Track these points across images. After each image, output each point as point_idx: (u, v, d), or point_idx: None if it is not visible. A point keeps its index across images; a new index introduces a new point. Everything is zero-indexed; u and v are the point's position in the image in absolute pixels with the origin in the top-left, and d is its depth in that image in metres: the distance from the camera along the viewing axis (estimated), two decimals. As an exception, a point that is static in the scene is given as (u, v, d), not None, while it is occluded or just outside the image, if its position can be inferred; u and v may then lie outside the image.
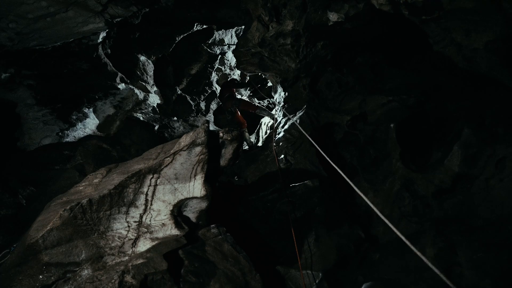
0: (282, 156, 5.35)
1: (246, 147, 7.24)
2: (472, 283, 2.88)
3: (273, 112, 7.34)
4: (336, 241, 4.05)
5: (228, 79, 9.44)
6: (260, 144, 6.82)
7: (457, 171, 3.51)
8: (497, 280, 2.74)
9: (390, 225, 2.08)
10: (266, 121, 7.94)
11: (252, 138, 7.93)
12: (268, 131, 7.25)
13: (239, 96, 8.79)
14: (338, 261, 3.90)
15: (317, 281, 3.73)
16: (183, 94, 8.68)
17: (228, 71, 9.80)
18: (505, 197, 2.99)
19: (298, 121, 5.69)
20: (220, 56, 9.29)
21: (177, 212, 3.61)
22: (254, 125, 8.95)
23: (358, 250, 4.03)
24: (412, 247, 1.90)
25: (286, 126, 5.98)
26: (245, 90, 9.56)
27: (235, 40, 9.31)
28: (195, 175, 3.62)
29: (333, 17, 4.95)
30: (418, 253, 1.85)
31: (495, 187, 3.10)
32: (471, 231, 3.09)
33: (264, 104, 9.54)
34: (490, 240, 2.93)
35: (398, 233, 2.01)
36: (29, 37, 4.67)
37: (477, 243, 2.99)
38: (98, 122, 6.77)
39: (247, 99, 8.42)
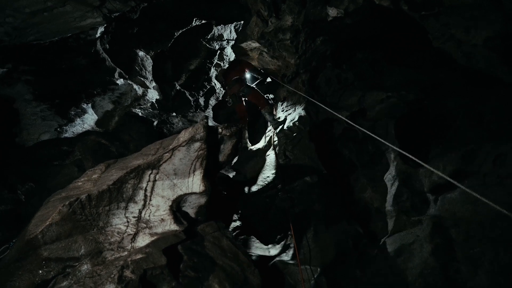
0: (281, 151, 5.37)
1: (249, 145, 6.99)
2: (469, 279, 2.91)
3: (276, 118, 6.77)
4: (335, 237, 4.07)
5: (240, 60, 8.95)
6: (259, 145, 6.53)
7: (455, 167, 3.52)
8: (494, 275, 2.77)
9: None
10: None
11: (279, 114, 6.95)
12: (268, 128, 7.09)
13: (249, 84, 7.97)
14: (337, 256, 3.93)
15: (315, 276, 3.76)
16: (182, 90, 8.64)
17: (227, 66, 9.76)
18: (502, 193, 3.01)
19: (296, 118, 5.69)
20: (219, 51, 9.24)
21: (176, 207, 3.62)
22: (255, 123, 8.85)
23: (357, 246, 4.06)
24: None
25: (286, 123, 5.99)
26: (258, 76, 8.61)
27: (234, 35, 9.25)
28: (194, 171, 3.62)
29: (332, 12, 4.92)
30: None
31: (492, 183, 3.11)
32: (468, 227, 3.11)
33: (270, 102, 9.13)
34: (487, 236, 2.95)
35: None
36: (26, 31, 4.63)
37: (474, 239, 3.02)
38: (96, 117, 6.74)
39: (259, 91, 7.64)
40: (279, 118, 6.71)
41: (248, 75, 7.74)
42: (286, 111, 6.68)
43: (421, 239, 3.39)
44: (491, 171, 3.19)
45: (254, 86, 7.57)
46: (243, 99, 6.77)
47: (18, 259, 2.95)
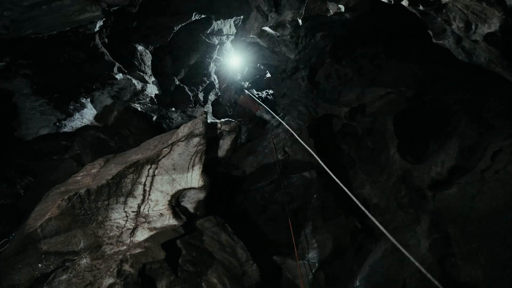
0: (280, 147, 5.36)
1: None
2: (465, 273, 2.93)
3: (276, 115, 6.52)
4: (333, 232, 4.10)
5: (222, 67, 8.93)
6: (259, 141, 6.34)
7: (454, 163, 3.54)
8: (490, 270, 2.79)
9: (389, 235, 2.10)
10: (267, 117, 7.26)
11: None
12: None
13: (238, 87, 7.99)
14: (335, 251, 3.95)
15: (313, 271, 3.79)
16: (181, 85, 8.61)
17: (226, 61, 9.71)
18: (500, 189, 3.02)
19: (296, 114, 5.68)
20: (218, 46, 9.19)
21: (175, 202, 3.63)
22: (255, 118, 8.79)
23: (354, 241, 4.09)
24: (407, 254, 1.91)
25: (285, 119, 5.97)
26: (241, 79, 8.60)
27: (233, 30, 9.19)
28: (193, 166, 3.63)
29: (333, 7, 4.89)
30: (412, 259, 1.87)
31: (490, 179, 3.13)
32: (465, 223, 3.12)
33: (264, 100, 9.05)
34: (483, 231, 2.97)
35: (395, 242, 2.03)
36: (24, 25, 4.58)
37: (471, 234, 3.03)
38: (95, 112, 6.72)
39: (248, 94, 7.54)
40: (279, 114, 6.70)
41: (233, 80, 7.64)
42: (286, 107, 6.66)
43: (419, 234, 3.41)
44: (489, 167, 3.20)
45: (241, 89, 7.43)
46: (236, 103, 6.69)
47: (17, 253, 2.96)
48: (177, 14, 7.20)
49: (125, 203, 3.40)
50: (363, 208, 2.39)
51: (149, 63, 7.39)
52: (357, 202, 2.49)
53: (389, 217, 4.14)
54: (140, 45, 7.09)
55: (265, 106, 6.20)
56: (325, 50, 5.87)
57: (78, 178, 3.82)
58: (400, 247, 2.02)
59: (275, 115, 5.76)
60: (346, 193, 3.00)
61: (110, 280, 2.81)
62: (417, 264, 1.89)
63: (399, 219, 3.95)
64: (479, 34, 3.20)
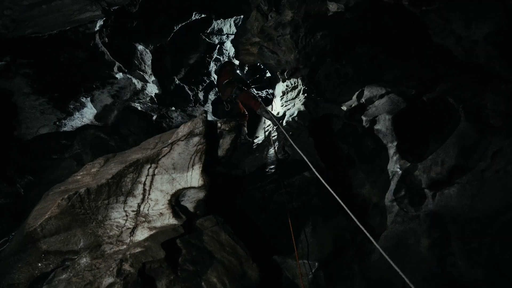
0: (280, 146, 5.36)
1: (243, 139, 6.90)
2: (465, 273, 2.93)
3: (275, 114, 6.60)
4: (333, 231, 4.10)
5: (224, 62, 8.92)
6: (258, 140, 6.40)
7: (454, 163, 3.53)
8: (490, 270, 2.79)
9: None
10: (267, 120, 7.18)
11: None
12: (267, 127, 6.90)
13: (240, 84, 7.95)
14: (334, 251, 3.95)
15: (313, 270, 3.79)
16: (181, 84, 8.63)
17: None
18: (500, 189, 3.02)
19: (296, 113, 5.67)
20: (218, 46, 9.22)
21: (175, 201, 3.63)
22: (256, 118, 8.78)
23: (354, 240, 4.08)
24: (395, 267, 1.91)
25: (285, 118, 5.97)
26: (243, 74, 8.64)
27: (234, 29, 9.22)
28: (193, 165, 3.63)
29: (333, 7, 4.89)
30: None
31: (490, 179, 3.13)
32: (465, 223, 3.13)
33: (266, 100, 9.00)
34: (483, 231, 2.97)
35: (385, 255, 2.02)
36: (24, 24, 4.59)
37: (471, 234, 3.03)
38: (95, 111, 6.73)
39: (249, 91, 7.53)
40: (278, 113, 6.70)
41: (237, 76, 7.58)
42: (286, 106, 6.67)
43: (419, 234, 3.41)
44: (489, 167, 3.20)
45: (244, 86, 7.39)
46: (237, 100, 6.57)
47: (17, 252, 2.97)
48: (177, 14, 7.22)
49: (125, 202, 3.40)
50: (349, 213, 2.39)
51: (149, 62, 7.41)
52: (344, 205, 2.49)
53: (389, 216, 4.14)
54: (140, 44, 7.11)
55: (264, 106, 6.18)
56: (325, 49, 5.88)
57: (78, 177, 3.82)
58: (388, 259, 2.02)
59: (273, 117, 5.75)
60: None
61: (110, 280, 2.81)
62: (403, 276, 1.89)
63: (399, 218, 3.95)
64: (479, 34, 3.20)
